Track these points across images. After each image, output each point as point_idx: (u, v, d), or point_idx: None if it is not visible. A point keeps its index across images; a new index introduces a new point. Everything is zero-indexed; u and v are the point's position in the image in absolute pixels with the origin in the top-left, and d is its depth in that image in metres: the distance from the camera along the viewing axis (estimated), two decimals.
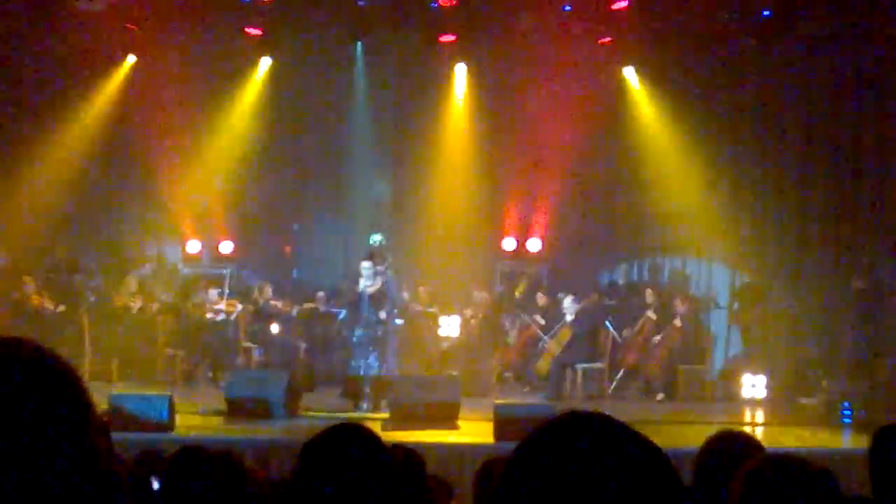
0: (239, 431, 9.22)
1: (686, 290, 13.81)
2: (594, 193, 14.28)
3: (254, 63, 14.21)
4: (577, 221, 14.15)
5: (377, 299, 10.77)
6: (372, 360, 10.66)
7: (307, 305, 13.32)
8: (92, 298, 12.98)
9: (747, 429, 9.62)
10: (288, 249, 15.02)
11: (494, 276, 14.47)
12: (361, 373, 10.69)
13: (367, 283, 10.79)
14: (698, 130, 13.55)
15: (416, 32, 13.64)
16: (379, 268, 10.89)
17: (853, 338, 12.12)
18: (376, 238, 11.63)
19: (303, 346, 12.91)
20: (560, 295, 12.96)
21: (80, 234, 14.25)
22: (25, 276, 12.73)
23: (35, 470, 1.12)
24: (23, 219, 13.08)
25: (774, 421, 11.24)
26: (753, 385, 12.38)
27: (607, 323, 12.78)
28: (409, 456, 3.89)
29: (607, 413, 1.28)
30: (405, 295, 12.72)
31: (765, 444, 3.08)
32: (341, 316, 12.52)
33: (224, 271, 13.47)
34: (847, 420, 10.19)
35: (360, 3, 13.20)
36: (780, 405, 12.02)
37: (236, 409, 9.86)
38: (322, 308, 13.27)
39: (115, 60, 13.83)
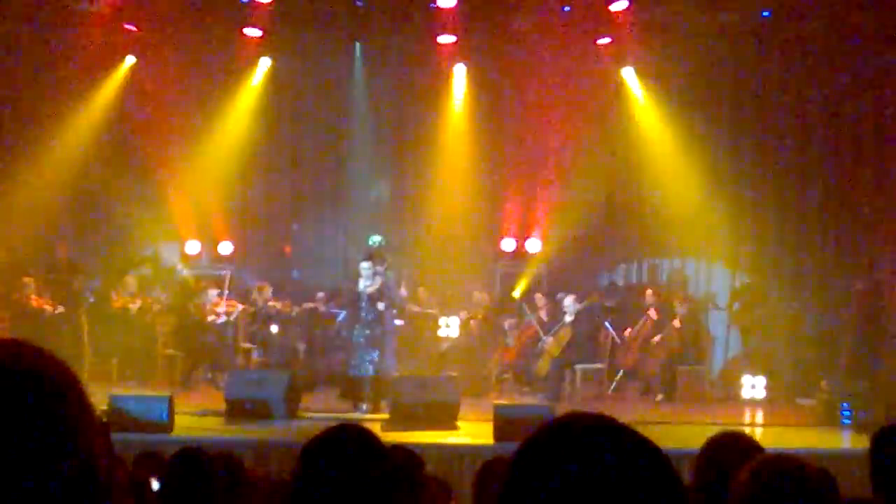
0: (239, 432, 9.22)
1: (685, 290, 13.80)
2: (594, 194, 14.28)
3: (253, 64, 14.23)
4: (577, 222, 14.14)
5: (376, 300, 10.77)
6: (372, 360, 10.67)
7: (307, 306, 13.31)
8: (91, 299, 12.95)
9: (747, 429, 9.61)
10: (288, 250, 15.02)
11: (494, 277, 14.47)
12: (361, 373, 10.69)
13: (367, 284, 10.80)
14: (698, 131, 13.56)
15: (415, 33, 13.65)
16: (378, 268, 10.89)
17: (853, 338, 12.12)
18: (376, 239, 11.64)
19: (302, 346, 12.91)
20: (560, 295, 12.95)
21: (79, 235, 14.25)
22: (25, 276, 12.72)
23: (34, 472, 1.12)
24: (22, 219, 13.07)
25: (774, 421, 11.25)
26: (753, 385, 12.40)
27: (607, 323, 12.79)
28: (409, 457, 3.89)
29: (607, 414, 1.28)
30: (403, 292, 12.71)
31: (765, 444, 3.07)
32: (341, 317, 12.50)
33: (223, 272, 13.45)
34: (847, 420, 10.18)
35: (360, 3, 13.20)
36: (779, 405, 12.04)
37: (236, 409, 9.87)
38: (322, 309, 13.25)
39: (114, 61, 13.83)
